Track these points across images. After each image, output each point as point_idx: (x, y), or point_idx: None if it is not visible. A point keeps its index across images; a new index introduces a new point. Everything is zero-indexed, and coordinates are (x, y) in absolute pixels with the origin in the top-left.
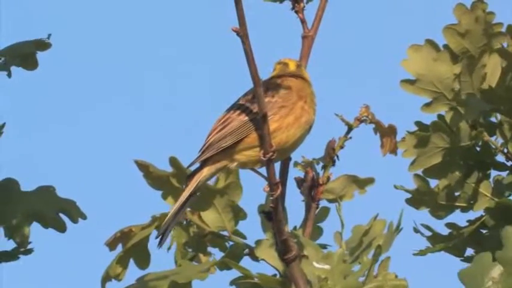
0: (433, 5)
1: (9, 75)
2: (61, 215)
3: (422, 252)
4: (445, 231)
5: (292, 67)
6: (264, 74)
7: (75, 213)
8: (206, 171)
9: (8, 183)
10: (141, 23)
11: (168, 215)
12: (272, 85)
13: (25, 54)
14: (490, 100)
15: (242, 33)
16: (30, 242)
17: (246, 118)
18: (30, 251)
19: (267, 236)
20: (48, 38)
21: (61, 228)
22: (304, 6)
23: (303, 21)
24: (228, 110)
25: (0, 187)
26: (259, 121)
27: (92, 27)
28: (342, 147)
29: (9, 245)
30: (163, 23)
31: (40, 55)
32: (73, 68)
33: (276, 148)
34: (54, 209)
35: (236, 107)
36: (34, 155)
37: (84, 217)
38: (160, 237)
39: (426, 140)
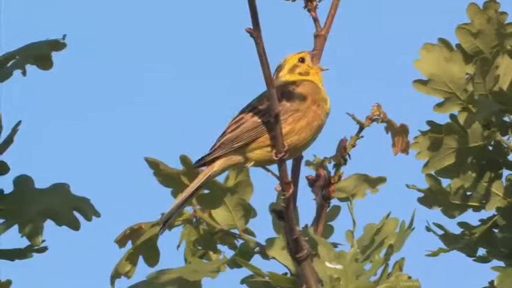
0: (446, 4)
1: (23, 73)
2: (75, 212)
3: (434, 253)
4: (458, 230)
5: (285, 71)
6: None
7: (89, 211)
8: (217, 166)
9: (22, 181)
10: (154, 22)
11: (173, 205)
12: (287, 89)
13: (40, 55)
14: (502, 102)
15: (256, 34)
16: (44, 240)
17: (259, 120)
18: (44, 249)
19: (278, 234)
20: (63, 38)
21: (75, 226)
22: (316, 5)
23: (315, 20)
24: (242, 111)
25: (14, 185)
26: (271, 122)
27: (106, 27)
28: (353, 146)
29: (23, 242)
30: (177, 23)
31: (55, 54)
32: (85, 67)
33: (287, 149)
34: (68, 207)
35: (250, 108)
36: (46, 153)
37: (98, 215)
38: (161, 225)
39: (439, 141)
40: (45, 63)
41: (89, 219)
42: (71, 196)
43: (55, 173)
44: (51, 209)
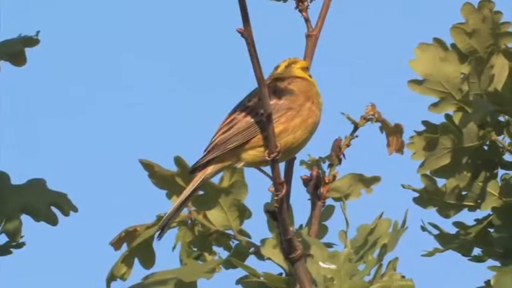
0: (440, 4)
1: None
2: (53, 208)
3: (430, 253)
4: (453, 230)
5: (299, 66)
6: (269, 73)
7: (66, 206)
8: (211, 168)
9: None
10: (146, 20)
11: (170, 210)
12: (278, 87)
13: (14, 52)
14: (497, 102)
15: (247, 34)
16: (22, 236)
17: (252, 120)
18: (22, 245)
19: (272, 235)
20: (37, 35)
21: (53, 221)
22: (308, 5)
23: (307, 20)
24: (234, 111)
25: None
26: (264, 122)
27: (94, 23)
28: (348, 146)
29: (1, 239)
30: (167, 23)
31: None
32: (77, 64)
33: (281, 149)
34: (45, 202)
35: (242, 108)
36: (37, 152)
37: (75, 210)
38: (159, 231)
39: (435, 142)
40: (18, 60)
41: (66, 214)
42: (48, 191)
43: (40, 174)
44: (28, 205)
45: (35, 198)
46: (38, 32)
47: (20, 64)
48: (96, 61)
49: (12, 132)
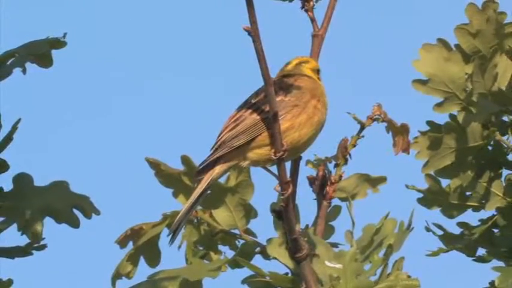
0: (445, 4)
1: (23, 71)
2: (75, 210)
3: (434, 253)
4: (457, 230)
5: (309, 66)
6: (275, 73)
7: (89, 208)
8: (218, 168)
9: (22, 179)
10: (154, 20)
11: (180, 213)
12: (285, 84)
13: (40, 54)
14: (501, 101)
15: (253, 32)
16: (43, 238)
17: (258, 117)
18: (43, 247)
19: (278, 234)
20: (64, 37)
21: (75, 223)
22: (314, 5)
23: (312, 20)
24: (240, 108)
25: (14, 182)
26: (270, 120)
27: (107, 25)
28: (354, 146)
29: (22, 240)
30: (175, 22)
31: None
32: (86, 66)
33: (287, 147)
34: (67, 204)
35: (248, 105)
36: (46, 151)
37: (97, 213)
38: (171, 234)
39: (439, 141)
40: (45, 61)
41: (88, 216)
42: (71, 193)
43: (55, 172)
44: (50, 207)
45: (57, 200)
46: (65, 34)
47: (46, 66)
48: (99, 60)
49: (35, 133)
